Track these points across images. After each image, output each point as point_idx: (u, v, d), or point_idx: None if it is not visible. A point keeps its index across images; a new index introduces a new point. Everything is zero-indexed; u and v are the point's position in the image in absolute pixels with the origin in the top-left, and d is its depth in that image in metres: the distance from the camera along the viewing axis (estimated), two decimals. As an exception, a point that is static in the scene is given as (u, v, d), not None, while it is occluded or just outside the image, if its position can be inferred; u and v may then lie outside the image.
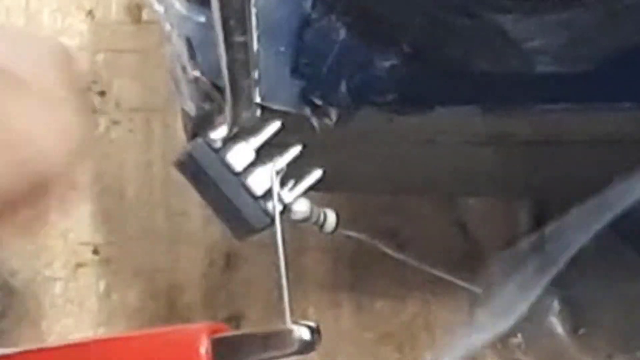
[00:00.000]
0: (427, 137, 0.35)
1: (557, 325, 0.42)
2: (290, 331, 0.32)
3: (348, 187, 0.38)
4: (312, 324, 0.32)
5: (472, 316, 0.43)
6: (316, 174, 0.35)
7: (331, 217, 0.35)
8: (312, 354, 0.43)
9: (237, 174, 0.33)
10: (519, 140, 0.35)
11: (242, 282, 0.43)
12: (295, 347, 0.32)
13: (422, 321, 0.44)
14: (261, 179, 0.34)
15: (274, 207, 0.33)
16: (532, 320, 0.41)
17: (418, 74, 0.33)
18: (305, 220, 0.34)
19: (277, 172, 0.34)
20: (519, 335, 0.42)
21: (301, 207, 0.34)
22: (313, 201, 0.35)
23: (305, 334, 0.32)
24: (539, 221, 0.43)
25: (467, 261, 0.43)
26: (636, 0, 0.31)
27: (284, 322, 0.32)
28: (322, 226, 0.35)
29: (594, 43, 0.32)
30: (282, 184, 0.34)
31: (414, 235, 0.44)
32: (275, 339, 0.32)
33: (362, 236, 0.37)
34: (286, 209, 0.34)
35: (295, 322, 0.32)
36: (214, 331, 0.32)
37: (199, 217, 0.44)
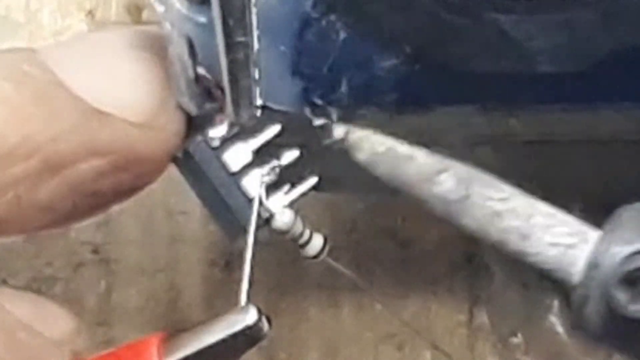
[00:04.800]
0: (427, 137, 0.35)
1: (557, 325, 0.41)
2: (237, 312, 0.31)
3: (348, 188, 0.38)
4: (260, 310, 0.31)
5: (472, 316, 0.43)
6: (311, 182, 0.35)
7: (316, 242, 0.35)
8: (313, 354, 0.43)
9: (232, 174, 0.33)
10: (519, 140, 0.35)
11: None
12: (239, 327, 0.31)
13: (422, 321, 0.44)
14: (256, 181, 0.34)
15: (256, 199, 0.33)
16: (532, 320, 0.41)
17: (418, 74, 0.33)
18: (285, 233, 0.34)
19: (270, 174, 0.34)
20: (519, 335, 0.42)
21: (283, 218, 0.34)
22: (312, 201, 0.35)
23: (253, 316, 0.31)
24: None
25: (467, 261, 0.43)
26: (636, 0, 0.31)
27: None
28: (302, 246, 0.35)
29: (594, 43, 0.32)
30: (277, 187, 0.34)
31: (414, 235, 0.44)
32: (223, 323, 0.31)
33: (338, 267, 0.37)
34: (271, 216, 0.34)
35: (247, 305, 0.32)
36: (165, 338, 0.32)
37: (199, 217, 0.44)
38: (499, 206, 0.30)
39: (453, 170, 0.31)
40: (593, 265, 0.28)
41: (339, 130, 0.33)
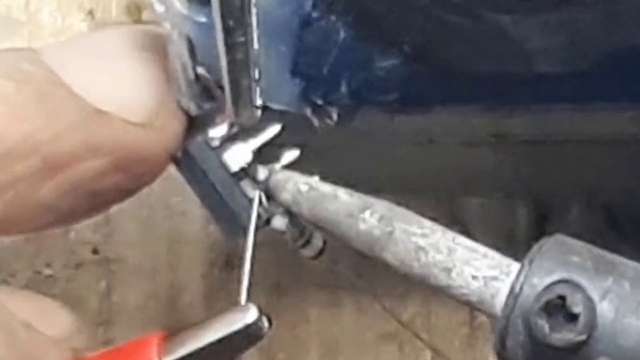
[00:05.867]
0: (427, 137, 0.35)
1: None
2: (237, 310, 0.31)
3: (348, 187, 0.38)
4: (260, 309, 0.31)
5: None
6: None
7: (316, 243, 0.35)
8: (313, 354, 0.43)
9: (232, 174, 0.33)
10: (519, 140, 0.35)
11: (242, 282, 0.43)
12: (239, 326, 0.31)
13: (422, 321, 0.44)
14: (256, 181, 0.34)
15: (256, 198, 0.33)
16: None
17: (418, 74, 0.33)
18: (284, 233, 0.34)
19: (268, 174, 0.34)
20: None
21: (283, 218, 0.34)
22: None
23: (253, 314, 0.31)
24: (539, 221, 0.43)
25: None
26: (636, 0, 0.31)
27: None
28: (302, 247, 0.35)
29: (594, 43, 0.32)
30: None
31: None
32: (223, 322, 0.31)
33: (338, 267, 0.37)
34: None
35: (247, 303, 0.32)
36: (165, 337, 0.32)
37: (199, 217, 0.44)
38: (421, 241, 0.30)
39: (375, 207, 0.31)
40: (514, 296, 0.28)
41: (260, 174, 0.33)
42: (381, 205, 0.31)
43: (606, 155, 0.36)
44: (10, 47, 0.41)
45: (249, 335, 0.31)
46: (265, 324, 0.31)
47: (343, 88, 0.33)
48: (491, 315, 0.29)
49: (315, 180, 0.33)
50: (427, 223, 0.31)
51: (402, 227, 0.31)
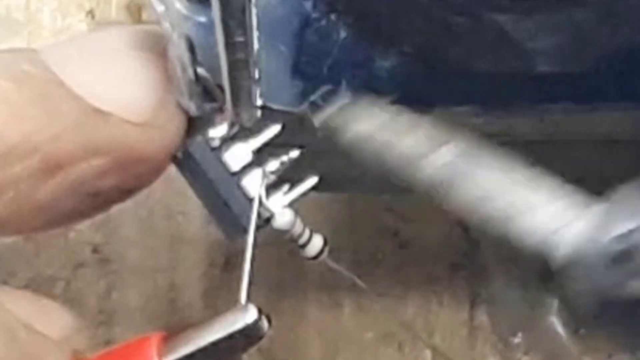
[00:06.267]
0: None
1: (557, 325, 0.42)
2: (236, 311, 0.31)
3: (348, 187, 0.38)
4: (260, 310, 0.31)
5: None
6: (311, 181, 0.35)
7: (316, 242, 0.35)
8: (313, 354, 0.43)
9: (233, 174, 0.33)
10: (519, 140, 0.35)
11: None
12: (239, 326, 0.31)
13: (422, 321, 0.44)
14: (257, 181, 0.34)
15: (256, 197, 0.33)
16: (532, 320, 0.41)
17: (418, 74, 0.33)
18: (284, 233, 0.34)
19: (268, 175, 0.34)
20: (519, 335, 0.42)
21: (283, 218, 0.34)
22: (312, 201, 0.35)
23: (252, 315, 0.31)
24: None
25: (467, 261, 0.43)
26: (636, 0, 0.31)
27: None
28: (303, 247, 0.35)
29: (594, 43, 0.32)
30: (277, 187, 0.34)
31: (414, 235, 0.44)
32: (223, 322, 0.31)
33: (338, 267, 0.37)
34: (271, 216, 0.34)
35: (247, 304, 0.32)
36: (165, 337, 0.32)
37: (199, 217, 0.44)
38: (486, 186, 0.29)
39: (442, 150, 0.30)
40: (583, 245, 0.28)
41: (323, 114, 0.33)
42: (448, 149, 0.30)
43: (606, 155, 0.36)
44: (10, 47, 0.41)
45: (248, 335, 0.31)
46: (265, 324, 0.31)
47: (343, 88, 0.33)
48: (556, 264, 0.28)
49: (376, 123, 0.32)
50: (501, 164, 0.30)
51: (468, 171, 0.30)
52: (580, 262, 0.28)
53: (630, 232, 0.27)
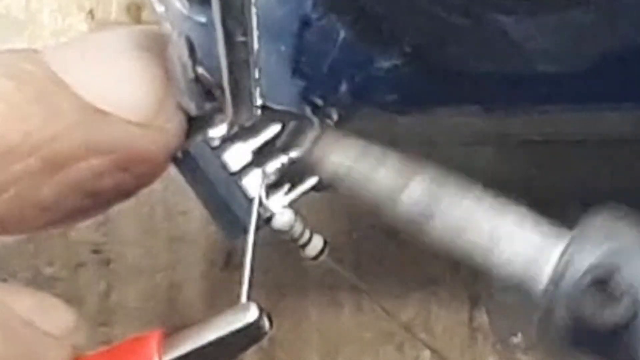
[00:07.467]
0: (427, 137, 0.35)
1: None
2: (237, 309, 0.31)
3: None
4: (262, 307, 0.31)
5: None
6: (311, 182, 0.35)
7: (316, 242, 0.35)
8: (313, 354, 0.43)
9: (233, 174, 0.33)
10: (519, 140, 0.35)
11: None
12: (239, 325, 0.31)
13: (421, 321, 0.44)
14: (256, 181, 0.34)
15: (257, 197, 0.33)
16: (532, 320, 0.41)
17: (418, 74, 0.33)
18: (284, 233, 0.34)
19: (268, 175, 0.34)
20: (519, 335, 0.42)
21: (283, 218, 0.34)
22: (312, 201, 0.35)
23: (253, 313, 0.31)
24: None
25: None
26: (636, 0, 0.31)
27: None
28: (303, 247, 0.35)
29: (594, 43, 0.32)
30: (277, 187, 0.34)
31: (413, 235, 0.44)
32: (224, 320, 0.31)
33: (338, 267, 0.37)
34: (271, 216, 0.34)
35: (248, 302, 0.32)
36: (165, 335, 0.32)
37: (199, 217, 0.44)
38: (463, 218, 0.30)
39: (417, 181, 0.31)
40: (558, 276, 0.28)
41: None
42: (423, 179, 0.31)
43: (606, 155, 0.36)
44: (10, 47, 0.41)
45: (249, 335, 0.31)
46: (267, 322, 0.31)
47: (343, 88, 0.33)
48: (535, 294, 0.29)
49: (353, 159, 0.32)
50: (471, 194, 0.30)
51: (447, 200, 0.30)
52: (557, 290, 0.28)
53: (603, 260, 0.28)
